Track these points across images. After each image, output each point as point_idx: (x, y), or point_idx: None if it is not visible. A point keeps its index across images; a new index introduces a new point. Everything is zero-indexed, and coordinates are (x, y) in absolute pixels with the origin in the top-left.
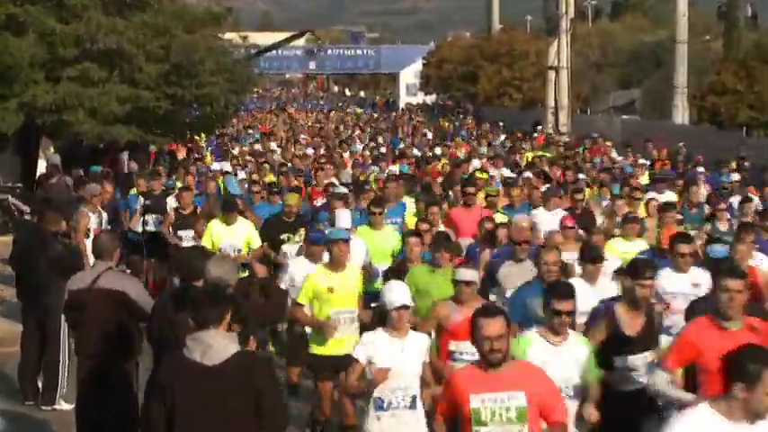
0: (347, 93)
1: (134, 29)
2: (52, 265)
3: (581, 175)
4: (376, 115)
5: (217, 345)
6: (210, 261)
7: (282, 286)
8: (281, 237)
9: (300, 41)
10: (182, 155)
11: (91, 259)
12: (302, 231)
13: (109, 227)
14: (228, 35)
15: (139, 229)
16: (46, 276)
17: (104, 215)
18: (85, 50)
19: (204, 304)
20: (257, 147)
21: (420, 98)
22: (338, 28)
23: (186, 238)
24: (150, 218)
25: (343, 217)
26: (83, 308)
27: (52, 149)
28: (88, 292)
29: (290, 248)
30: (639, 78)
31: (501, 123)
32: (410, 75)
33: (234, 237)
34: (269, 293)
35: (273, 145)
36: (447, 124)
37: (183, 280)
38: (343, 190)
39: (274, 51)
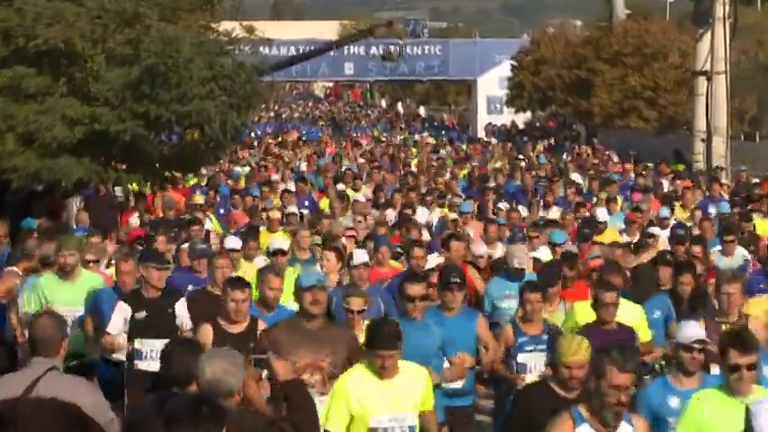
0: (399, 108)
1: (89, 18)
2: None
3: None
4: (463, 146)
5: None
6: (204, 357)
7: None
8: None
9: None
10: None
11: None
12: None
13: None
14: (226, 25)
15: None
16: None
17: None
18: (18, 50)
19: (181, 420)
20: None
21: (507, 116)
22: (386, 15)
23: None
24: (145, 345)
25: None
26: (12, 426)
27: None
28: (22, 403)
29: None
30: None
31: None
32: (493, 83)
33: (399, 402)
34: (295, 405)
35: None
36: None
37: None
38: None
39: (288, 50)
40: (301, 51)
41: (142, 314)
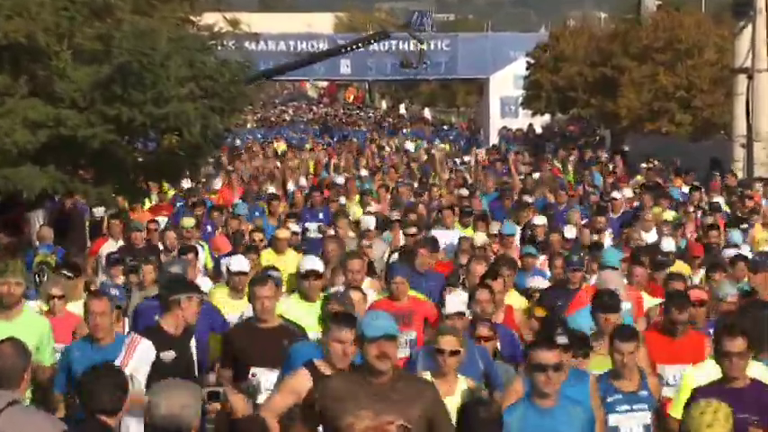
0: (402, 110)
1: (54, 10)
2: None
3: None
4: (483, 153)
5: None
6: (158, 389)
7: None
8: None
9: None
10: None
11: None
12: None
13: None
14: (208, 18)
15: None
16: None
17: None
18: None
19: None
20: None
21: (523, 119)
22: (387, 5)
23: None
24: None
25: None
26: None
27: None
28: None
29: None
30: None
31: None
32: (507, 82)
33: None
34: None
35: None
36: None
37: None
38: None
39: (277, 46)
40: (293, 46)
41: (169, 355)
